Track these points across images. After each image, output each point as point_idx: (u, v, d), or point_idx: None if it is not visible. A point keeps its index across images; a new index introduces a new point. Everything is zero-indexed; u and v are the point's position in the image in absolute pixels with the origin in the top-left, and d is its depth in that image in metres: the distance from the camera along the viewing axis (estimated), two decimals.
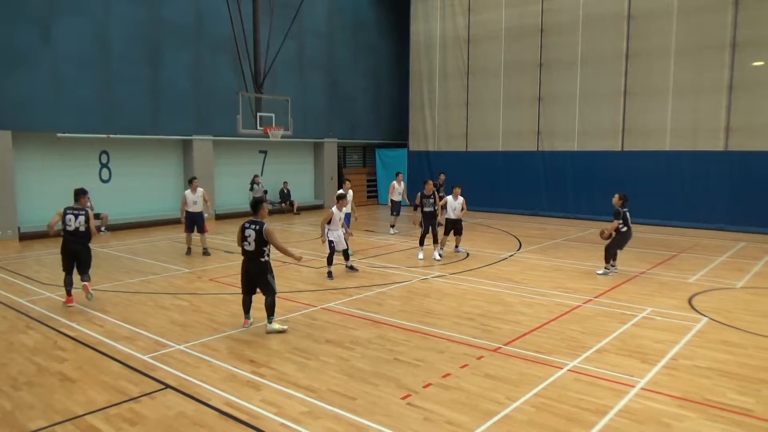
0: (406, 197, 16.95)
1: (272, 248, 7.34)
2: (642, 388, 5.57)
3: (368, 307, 8.55)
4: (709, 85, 16.59)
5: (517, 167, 20.93)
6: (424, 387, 5.62)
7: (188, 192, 12.68)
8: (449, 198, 12.67)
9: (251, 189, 19.88)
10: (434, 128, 23.48)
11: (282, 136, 17.01)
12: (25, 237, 15.05)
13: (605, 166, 18.60)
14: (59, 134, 15.41)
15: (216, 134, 18.92)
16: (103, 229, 16.28)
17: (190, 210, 12.62)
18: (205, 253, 12.76)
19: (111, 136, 16.45)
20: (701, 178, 16.98)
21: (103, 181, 17.10)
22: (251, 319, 7.61)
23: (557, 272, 11.08)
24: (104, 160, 17.10)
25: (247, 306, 7.59)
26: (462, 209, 12.65)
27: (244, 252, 7.30)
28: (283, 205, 21.36)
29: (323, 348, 6.76)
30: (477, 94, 21.95)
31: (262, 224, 7.18)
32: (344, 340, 7.03)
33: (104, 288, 9.76)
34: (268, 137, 16.72)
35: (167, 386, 5.63)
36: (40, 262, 12.14)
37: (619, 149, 18.50)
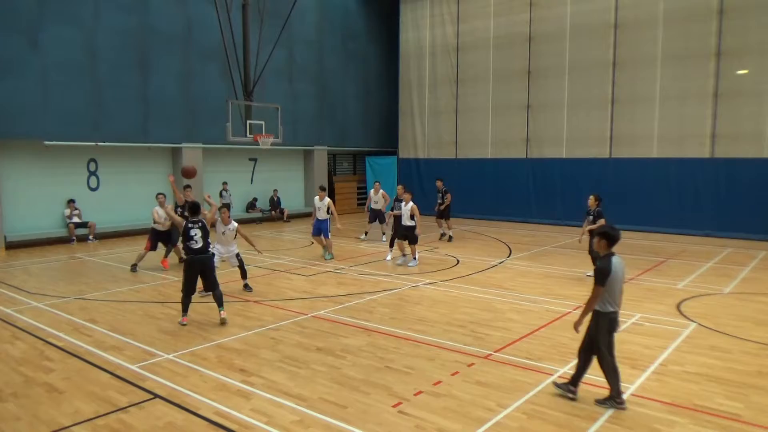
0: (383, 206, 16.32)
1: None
2: (632, 394, 5.60)
3: (359, 314, 8.53)
4: (695, 93, 16.81)
5: (506, 174, 21.04)
6: (415, 395, 5.61)
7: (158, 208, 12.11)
8: (401, 203, 12.79)
9: (221, 195, 19.71)
10: (424, 136, 23.57)
11: (272, 144, 16.99)
12: (12, 246, 14.87)
13: (593, 173, 18.75)
14: (47, 142, 15.27)
15: (205, 142, 18.85)
16: (91, 237, 16.15)
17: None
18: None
19: (99, 144, 16.34)
20: (688, 185, 17.17)
21: (92, 189, 16.96)
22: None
23: (547, 279, 11.13)
24: (92, 168, 16.97)
25: (188, 304, 8.12)
26: (412, 215, 12.23)
27: (191, 250, 7.92)
28: (273, 213, 21.30)
29: (314, 356, 6.73)
30: (466, 101, 22.09)
31: (202, 221, 8.13)
32: (335, 348, 7.00)
33: (92, 297, 9.65)
34: (258, 145, 16.69)
35: (156, 396, 5.57)
36: (27, 272, 11.99)
37: (607, 156, 18.67)
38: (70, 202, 16.02)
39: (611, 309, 5.39)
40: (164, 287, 10.45)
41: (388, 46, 25.04)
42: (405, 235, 12.44)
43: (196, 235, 7.94)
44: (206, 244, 8.05)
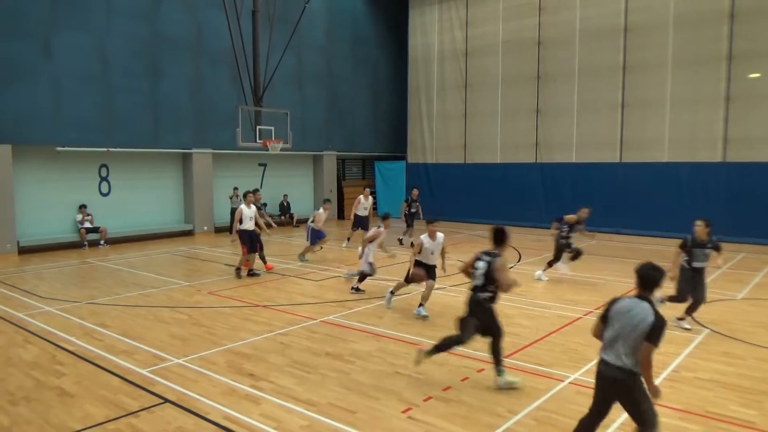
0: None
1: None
2: None
3: (368, 319, 8.52)
4: (706, 97, 16.70)
5: (515, 179, 20.98)
6: (425, 400, 5.59)
7: None
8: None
9: (231, 200, 19.48)
10: (432, 140, 23.56)
11: (281, 149, 17.06)
12: (25, 251, 15.03)
13: (603, 177, 18.66)
14: (59, 148, 15.45)
15: (215, 147, 18.98)
16: (102, 242, 16.29)
17: None
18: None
19: (111, 149, 16.50)
20: (699, 189, 17.02)
21: (103, 195, 17.11)
22: None
23: (557, 284, 11.06)
24: (104, 173, 17.13)
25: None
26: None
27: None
28: (283, 217, 21.36)
29: (323, 361, 6.73)
30: (475, 106, 22.07)
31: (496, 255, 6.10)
32: (344, 353, 6.99)
33: (103, 302, 9.73)
34: (268, 150, 16.76)
35: (166, 401, 5.59)
36: (39, 276, 12.10)
37: (618, 161, 18.56)
38: (82, 207, 16.17)
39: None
40: (174, 292, 10.50)
41: (397, 51, 25.10)
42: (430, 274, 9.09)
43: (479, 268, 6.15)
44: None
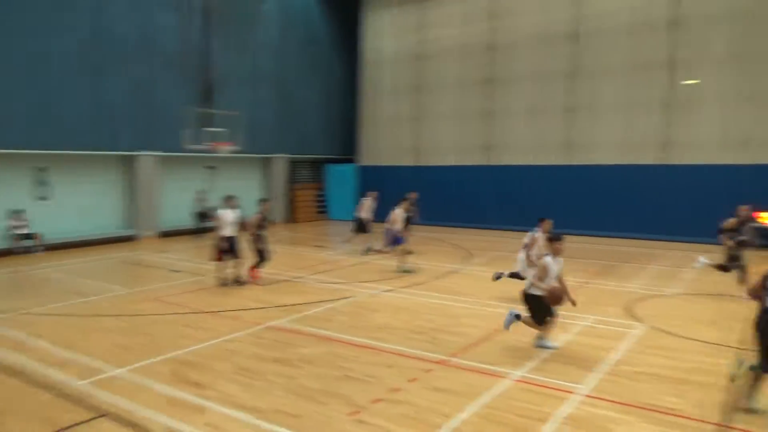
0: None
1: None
2: (586, 395, 5.73)
3: (317, 323, 8.45)
4: (644, 102, 17.46)
5: (466, 181, 21.32)
6: (373, 402, 5.59)
7: None
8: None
9: (198, 204, 19.14)
10: (385, 143, 23.66)
11: (231, 152, 16.74)
12: None
13: (551, 179, 19.22)
14: None
15: (162, 150, 18.40)
16: (36, 248, 15.47)
17: None
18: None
19: (50, 151, 15.73)
20: (637, 190, 17.76)
21: (41, 199, 16.30)
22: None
23: (504, 284, 11.27)
24: (43, 176, 16.32)
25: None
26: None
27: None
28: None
29: (270, 367, 6.63)
30: (427, 109, 22.31)
31: None
32: (292, 358, 6.91)
33: (37, 312, 9.24)
34: (216, 153, 16.41)
35: (104, 414, 5.37)
36: None
37: (564, 163, 19.15)
38: (15, 213, 15.32)
39: None
40: (116, 299, 10.09)
41: (351, 54, 25.06)
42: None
43: None
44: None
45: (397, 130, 23.23)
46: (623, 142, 18.03)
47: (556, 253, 7.05)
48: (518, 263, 9.91)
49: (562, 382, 6.05)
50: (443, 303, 9.68)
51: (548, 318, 7.05)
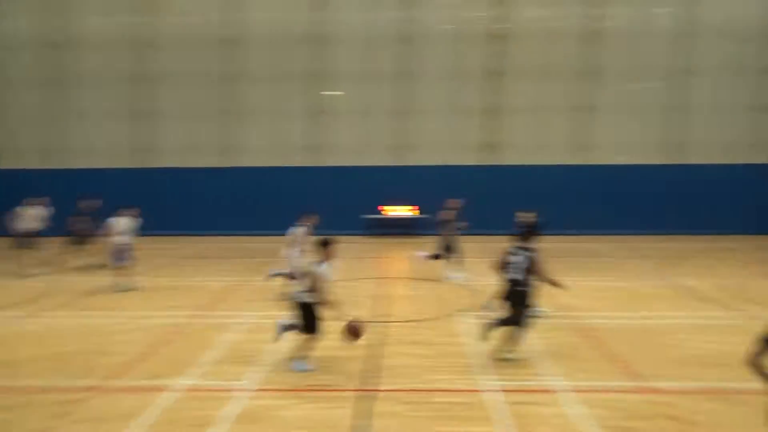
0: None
1: None
2: (253, 390, 6.03)
3: None
4: (465, 107, 18.30)
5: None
6: None
7: None
8: None
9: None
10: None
11: None
12: None
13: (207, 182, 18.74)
14: None
15: None
16: None
17: None
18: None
19: None
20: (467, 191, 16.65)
21: None
22: None
23: (154, 292, 10.71)
24: None
25: None
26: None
27: None
28: None
29: None
30: (64, 105, 18.92)
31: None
32: None
33: None
34: None
35: None
36: None
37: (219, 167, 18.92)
38: None
39: None
40: None
41: None
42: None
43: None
44: None
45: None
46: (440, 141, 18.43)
47: (329, 258, 6.61)
48: (289, 262, 9.38)
49: (230, 382, 6.20)
50: (90, 321, 8.59)
51: (319, 326, 6.59)
